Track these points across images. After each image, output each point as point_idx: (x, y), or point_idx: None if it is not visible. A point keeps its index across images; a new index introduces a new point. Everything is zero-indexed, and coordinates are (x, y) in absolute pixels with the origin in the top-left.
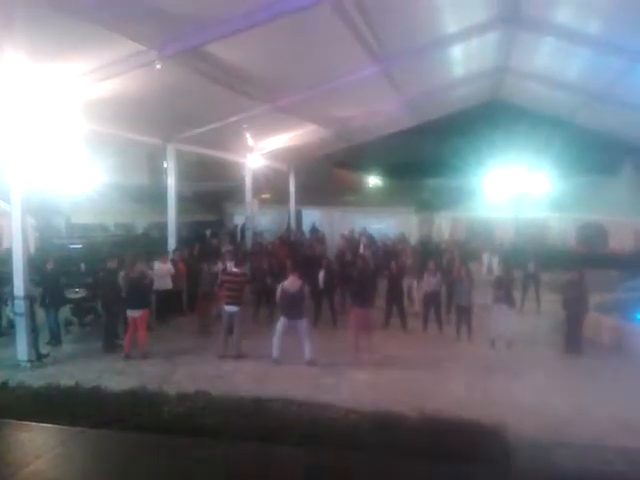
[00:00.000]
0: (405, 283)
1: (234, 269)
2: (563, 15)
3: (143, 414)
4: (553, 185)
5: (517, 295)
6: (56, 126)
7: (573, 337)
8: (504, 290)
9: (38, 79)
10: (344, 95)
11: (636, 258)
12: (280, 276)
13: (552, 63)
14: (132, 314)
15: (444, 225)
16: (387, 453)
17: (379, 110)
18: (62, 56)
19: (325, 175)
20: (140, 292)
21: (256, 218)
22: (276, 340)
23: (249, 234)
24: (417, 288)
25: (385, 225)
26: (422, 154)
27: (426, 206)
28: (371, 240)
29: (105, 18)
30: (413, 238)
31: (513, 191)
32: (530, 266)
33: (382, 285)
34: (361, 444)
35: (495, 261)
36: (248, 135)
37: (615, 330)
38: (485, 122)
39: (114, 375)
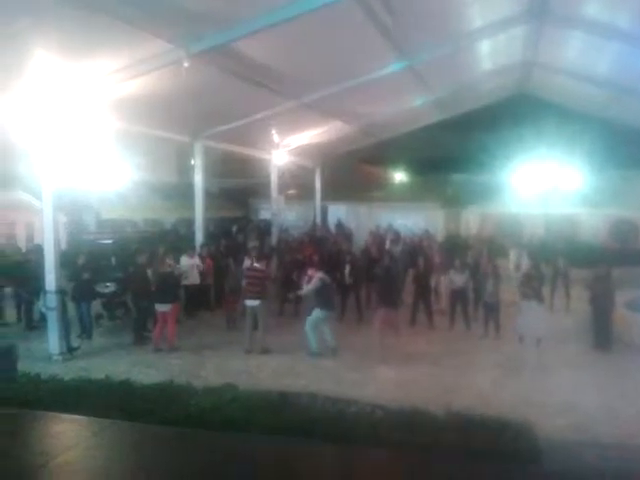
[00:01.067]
0: (432, 280)
1: (255, 264)
2: (592, 9)
3: (171, 407)
4: (584, 180)
5: (546, 291)
6: (86, 123)
7: (602, 333)
8: (532, 286)
9: (68, 77)
10: (370, 91)
11: None
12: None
13: (581, 57)
14: (161, 308)
15: (471, 221)
16: (412, 450)
17: (405, 105)
18: (91, 54)
19: (351, 171)
20: (169, 287)
21: (282, 214)
22: (314, 334)
23: (275, 230)
24: (444, 285)
25: (411, 221)
26: (449, 149)
27: (453, 202)
28: (397, 236)
29: (134, 16)
30: (439, 234)
31: (543, 186)
32: (559, 262)
33: (408, 282)
34: (386, 441)
35: (523, 257)
36: (274, 131)
37: None
38: (513, 116)
39: (143, 368)
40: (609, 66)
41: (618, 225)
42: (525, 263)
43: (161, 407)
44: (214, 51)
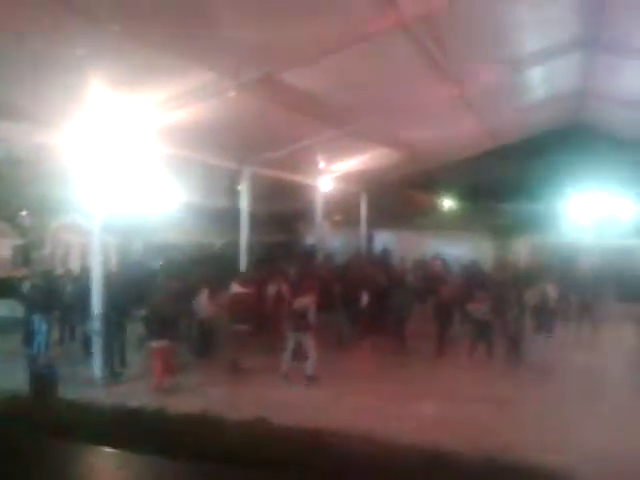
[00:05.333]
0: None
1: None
2: None
3: (203, 440)
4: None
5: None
6: (136, 150)
7: None
8: (543, 319)
9: (121, 106)
10: (417, 118)
11: None
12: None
13: (636, 86)
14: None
15: (521, 250)
16: None
17: (455, 133)
18: (143, 85)
19: (399, 198)
20: (163, 320)
21: (327, 240)
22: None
23: (319, 255)
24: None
25: (460, 250)
26: (499, 177)
27: (502, 231)
28: (446, 266)
29: (181, 48)
30: (488, 264)
31: (595, 216)
32: (587, 296)
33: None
34: None
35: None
36: (319, 158)
37: None
38: (566, 145)
39: (182, 395)
40: None
41: None
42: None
43: (193, 440)
44: (260, 81)
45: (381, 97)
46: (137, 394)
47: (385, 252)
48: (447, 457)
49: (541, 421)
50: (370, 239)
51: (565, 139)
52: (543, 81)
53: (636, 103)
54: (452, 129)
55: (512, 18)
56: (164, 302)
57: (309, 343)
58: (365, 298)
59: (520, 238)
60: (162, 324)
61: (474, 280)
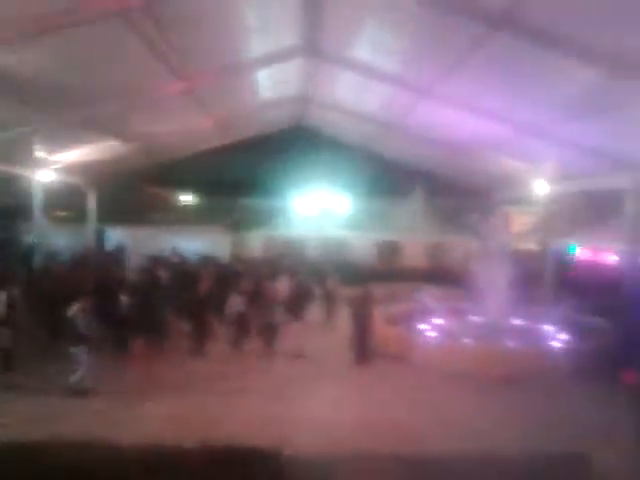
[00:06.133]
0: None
1: None
2: (360, 52)
3: None
4: (354, 206)
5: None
6: None
7: (360, 349)
8: (295, 307)
9: None
10: (147, 110)
11: (427, 272)
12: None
13: (351, 95)
14: None
15: (256, 244)
16: None
17: (187, 127)
18: None
19: (132, 192)
20: None
21: (49, 237)
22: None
23: (39, 256)
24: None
25: (197, 244)
26: (235, 173)
27: (238, 225)
28: (182, 260)
29: None
30: (224, 257)
31: (318, 211)
32: (327, 283)
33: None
34: None
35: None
36: (37, 148)
37: (400, 340)
38: (293, 146)
39: None
40: (374, 105)
41: (384, 246)
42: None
43: None
44: None
45: (105, 86)
46: None
47: (119, 249)
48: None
49: (238, 407)
50: (101, 236)
51: (293, 140)
52: (271, 84)
53: (351, 110)
54: (185, 123)
55: (238, 21)
56: None
57: None
58: (124, 300)
59: (254, 232)
60: None
61: (225, 274)
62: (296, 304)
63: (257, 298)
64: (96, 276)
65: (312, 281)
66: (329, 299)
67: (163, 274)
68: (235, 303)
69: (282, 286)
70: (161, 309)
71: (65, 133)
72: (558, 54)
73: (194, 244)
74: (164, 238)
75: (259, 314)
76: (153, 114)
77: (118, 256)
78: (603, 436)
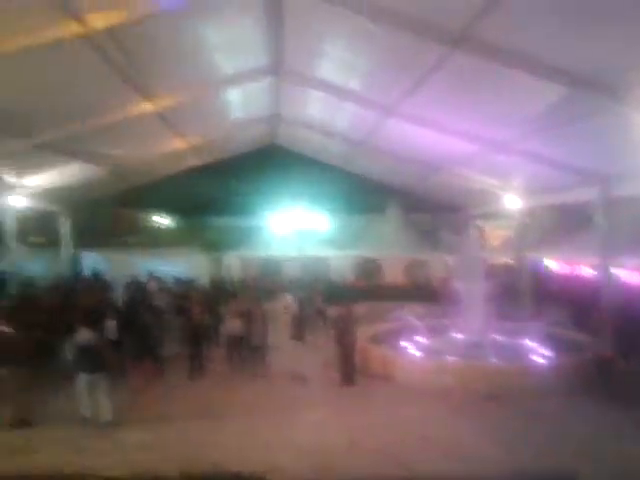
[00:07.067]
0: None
1: None
2: (325, 72)
3: None
4: (330, 224)
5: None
6: None
7: (345, 369)
8: (299, 327)
9: None
10: (117, 134)
11: (407, 289)
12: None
13: (321, 113)
14: None
15: (233, 265)
16: None
17: (158, 149)
18: None
19: (107, 216)
20: None
21: (24, 264)
22: (84, 399)
23: (13, 284)
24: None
25: (173, 267)
26: (209, 193)
27: (214, 246)
28: (162, 285)
29: None
30: (203, 280)
31: (295, 230)
32: (318, 302)
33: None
34: None
35: (289, 299)
36: (6, 173)
37: (384, 359)
38: (267, 165)
39: None
40: (343, 123)
41: (363, 264)
42: (293, 305)
43: None
44: None
45: (71, 108)
46: None
47: (96, 274)
48: None
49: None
50: (77, 261)
51: (266, 159)
52: (243, 104)
53: (321, 129)
54: (155, 145)
55: (205, 41)
56: None
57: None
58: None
59: (230, 253)
60: None
61: (216, 297)
62: (300, 324)
63: (253, 319)
64: (85, 303)
65: (304, 300)
66: (320, 318)
67: (155, 298)
68: (231, 326)
69: (287, 305)
70: (155, 333)
71: (34, 157)
72: (520, 71)
73: (171, 266)
74: (140, 261)
75: (256, 335)
76: (122, 137)
77: (102, 282)
78: (589, 453)
